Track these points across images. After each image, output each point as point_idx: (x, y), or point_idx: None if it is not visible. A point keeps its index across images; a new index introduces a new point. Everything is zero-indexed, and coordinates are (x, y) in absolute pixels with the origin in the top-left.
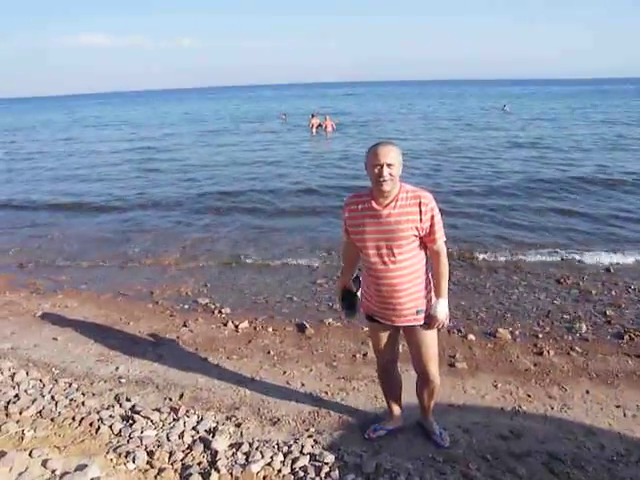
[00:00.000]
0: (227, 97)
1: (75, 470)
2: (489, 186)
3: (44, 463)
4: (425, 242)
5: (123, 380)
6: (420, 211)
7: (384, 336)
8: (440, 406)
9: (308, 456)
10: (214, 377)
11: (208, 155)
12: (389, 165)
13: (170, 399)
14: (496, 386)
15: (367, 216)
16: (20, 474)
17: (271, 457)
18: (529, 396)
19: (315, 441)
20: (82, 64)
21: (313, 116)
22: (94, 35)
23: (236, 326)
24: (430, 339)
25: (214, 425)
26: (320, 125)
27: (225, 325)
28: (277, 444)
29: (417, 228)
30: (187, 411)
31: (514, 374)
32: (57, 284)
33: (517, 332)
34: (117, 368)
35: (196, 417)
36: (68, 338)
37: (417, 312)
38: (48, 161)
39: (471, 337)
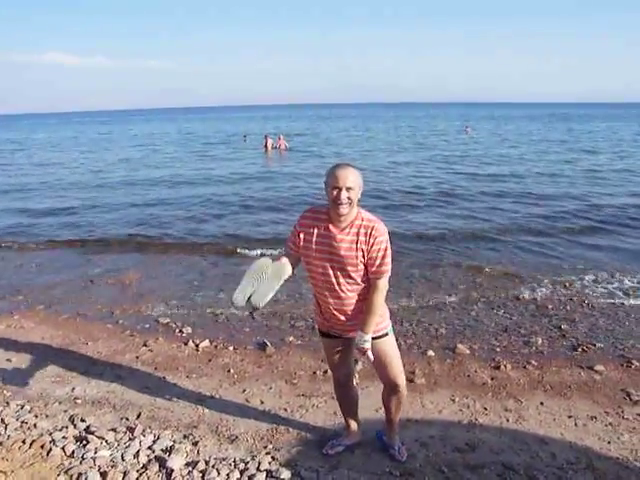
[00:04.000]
0: (186, 118)
1: None
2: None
3: None
4: (369, 273)
5: (79, 401)
6: (370, 241)
7: (338, 350)
8: (399, 421)
9: (265, 473)
10: (173, 396)
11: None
12: (348, 189)
13: (127, 419)
14: (454, 400)
15: (321, 236)
16: None
17: (227, 474)
18: (485, 409)
19: (273, 458)
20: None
21: (266, 137)
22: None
23: (197, 345)
24: (391, 349)
25: (171, 444)
26: (273, 145)
27: (186, 344)
28: (234, 461)
29: (365, 257)
30: (143, 430)
31: (472, 388)
32: (13, 305)
33: (476, 347)
34: (73, 389)
35: (152, 436)
36: (23, 359)
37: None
38: None
39: (430, 353)
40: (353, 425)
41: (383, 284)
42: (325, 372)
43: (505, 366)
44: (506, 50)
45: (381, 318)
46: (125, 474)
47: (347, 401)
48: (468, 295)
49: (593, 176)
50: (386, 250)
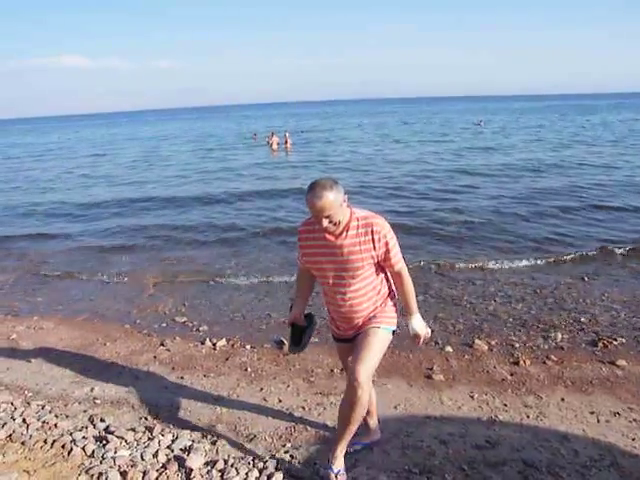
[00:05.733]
0: (195, 118)
1: None
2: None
3: None
4: (384, 267)
5: (98, 401)
6: (373, 239)
7: (348, 354)
8: (417, 418)
9: (283, 471)
10: (191, 395)
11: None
12: (327, 217)
13: (145, 418)
14: (473, 397)
15: (320, 246)
16: None
17: (246, 473)
18: (505, 405)
19: (291, 456)
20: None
21: (272, 134)
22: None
23: (214, 344)
24: (378, 345)
25: (189, 443)
26: (279, 143)
27: (203, 343)
28: (253, 460)
29: (372, 256)
30: (162, 430)
31: (491, 384)
32: (33, 306)
33: (494, 342)
34: (92, 389)
35: (171, 436)
36: (42, 360)
37: (370, 318)
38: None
39: (448, 349)
40: (371, 424)
41: (402, 268)
42: (342, 370)
43: (524, 361)
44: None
45: (392, 313)
46: (145, 474)
47: None
48: (485, 290)
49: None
50: (392, 240)
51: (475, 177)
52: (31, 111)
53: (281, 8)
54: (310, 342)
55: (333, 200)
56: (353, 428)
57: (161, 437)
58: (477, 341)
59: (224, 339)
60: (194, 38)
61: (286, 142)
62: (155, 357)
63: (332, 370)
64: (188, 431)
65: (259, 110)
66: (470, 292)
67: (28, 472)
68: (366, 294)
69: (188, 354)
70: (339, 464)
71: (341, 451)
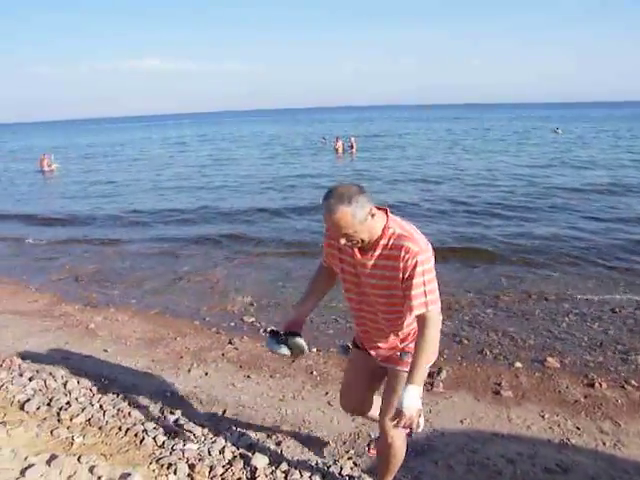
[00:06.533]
0: (268, 120)
1: (119, 478)
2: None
3: (91, 469)
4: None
5: (168, 394)
6: (399, 267)
7: (361, 365)
8: (483, 434)
9: (347, 478)
10: (257, 395)
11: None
12: (344, 235)
13: (213, 414)
14: (543, 416)
15: (347, 262)
16: (69, 477)
17: (309, 477)
18: (578, 429)
19: (354, 464)
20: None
21: (337, 138)
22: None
23: None
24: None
25: (254, 442)
26: (343, 147)
27: None
28: (316, 464)
29: (397, 287)
30: (229, 427)
31: (563, 405)
32: (109, 298)
33: (567, 361)
34: (163, 382)
35: (237, 433)
36: (117, 350)
37: (400, 356)
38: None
39: (518, 365)
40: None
41: (432, 317)
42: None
43: (600, 384)
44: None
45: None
46: (211, 468)
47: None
48: (559, 306)
49: None
50: (423, 275)
51: (553, 192)
52: (102, 111)
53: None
54: None
55: (351, 217)
56: (390, 473)
57: (228, 434)
58: (549, 359)
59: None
60: (268, 39)
61: (352, 147)
62: (223, 355)
63: None
64: (253, 430)
65: (332, 114)
66: (542, 308)
67: (105, 456)
68: (390, 323)
69: (255, 354)
70: None
71: None
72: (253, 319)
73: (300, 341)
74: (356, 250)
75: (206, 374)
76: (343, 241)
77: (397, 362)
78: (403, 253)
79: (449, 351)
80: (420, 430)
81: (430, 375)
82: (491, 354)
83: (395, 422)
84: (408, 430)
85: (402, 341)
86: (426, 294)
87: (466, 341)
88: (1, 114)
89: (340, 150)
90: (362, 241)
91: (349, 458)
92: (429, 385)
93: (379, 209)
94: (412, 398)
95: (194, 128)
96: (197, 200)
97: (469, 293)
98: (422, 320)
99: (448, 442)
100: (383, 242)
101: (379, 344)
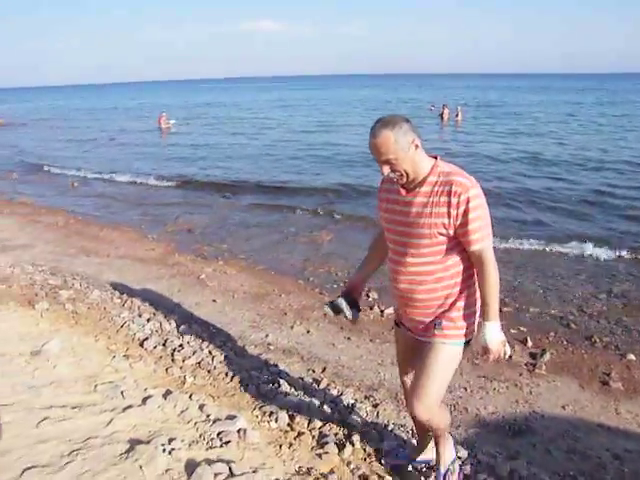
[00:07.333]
0: (395, 85)
1: (226, 419)
2: None
3: (201, 407)
4: (462, 244)
5: (271, 347)
6: (449, 202)
7: (405, 347)
8: (586, 424)
9: None
10: (356, 357)
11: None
12: (385, 162)
13: (313, 371)
14: None
15: (392, 201)
16: (182, 412)
17: (404, 441)
18: None
19: (449, 434)
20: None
21: (444, 106)
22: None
23: (382, 311)
24: (440, 366)
25: (352, 402)
26: (449, 115)
27: (371, 309)
28: (412, 429)
29: (444, 225)
30: (328, 384)
31: None
32: (219, 251)
33: None
34: (267, 335)
35: (336, 391)
36: (225, 301)
37: (435, 326)
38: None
39: (631, 357)
40: (424, 440)
41: (484, 253)
42: (510, 357)
43: None
44: None
45: (465, 321)
46: (310, 421)
47: None
48: None
49: None
50: (477, 209)
51: None
52: (217, 73)
53: None
54: None
55: (393, 141)
56: (442, 434)
57: (327, 390)
58: None
59: (392, 307)
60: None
61: (457, 115)
62: (325, 315)
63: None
64: (352, 390)
65: (460, 80)
66: None
67: (212, 397)
68: (429, 275)
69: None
70: (445, 463)
71: (437, 449)
72: None
73: (342, 304)
74: (402, 189)
75: (308, 332)
76: (386, 171)
77: (432, 334)
78: (455, 188)
79: (554, 334)
80: (507, 355)
81: (533, 356)
82: (601, 342)
83: (484, 358)
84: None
85: (439, 305)
86: (483, 228)
87: (574, 325)
88: (114, 74)
89: (446, 118)
90: (406, 174)
91: None
92: (531, 366)
93: (430, 156)
94: (493, 332)
95: (305, 92)
96: (311, 165)
97: (579, 276)
98: (481, 257)
99: (547, 426)
100: (432, 179)
101: (416, 309)
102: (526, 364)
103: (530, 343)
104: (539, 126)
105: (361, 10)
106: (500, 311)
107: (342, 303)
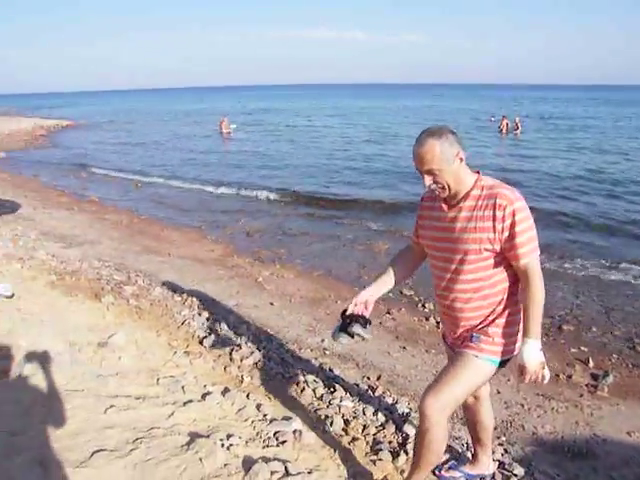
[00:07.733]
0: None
1: (282, 419)
2: None
3: (258, 406)
4: (508, 258)
5: (327, 352)
6: (494, 216)
7: (450, 359)
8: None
9: (497, 463)
10: (411, 366)
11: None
12: (428, 172)
13: (368, 378)
14: None
15: (434, 218)
16: (239, 410)
17: (459, 454)
18: None
19: (505, 450)
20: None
21: (504, 118)
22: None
23: (437, 322)
24: (467, 375)
25: (407, 411)
26: (508, 127)
27: (427, 320)
28: (466, 443)
29: (490, 240)
30: (383, 392)
31: None
32: (276, 255)
33: None
34: (322, 340)
35: (391, 399)
36: (282, 305)
37: (472, 338)
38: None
39: None
40: (480, 454)
41: (531, 267)
42: (570, 377)
43: None
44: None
45: (504, 339)
46: (365, 427)
47: (471, 425)
48: None
49: None
50: (524, 222)
51: None
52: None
53: None
54: None
55: (439, 152)
56: (422, 462)
57: (382, 398)
58: None
59: None
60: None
61: (516, 127)
62: (380, 323)
63: (558, 375)
64: (406, 399)
65: (508, 91)
66: None
67: (269, 397)
68: (475, 292)
69: (412, 327)
70: None
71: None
72: (412, 292)
73: (357, 330)
74: (444, 205)
75: (363, 339)
76: (428, 181)
77: (467, 345)
78: (499, 201)
79: (618, 356)
80: (546, 381)
81: (594, 377)
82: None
83: (520, 378)
84: (448, 415)
85: (482, 322)
86: (529, 242)
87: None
88: (173, 80)
89: (504, 130)
90: (448, 187)
91: (500, 444)
92: (592, 387)
93: (473, 172)
94: (532, 351)
95: (361, 100)
96: (367, 177)
97: None
98: (527, 272)
99: (610, 451)
100: (475, 192)
101: (459, 328)
102: (587, 385)
103: (592, 364)
104: (605, 141)
105: (414, 19)
106: (559, 329)
107: (358, 329)
